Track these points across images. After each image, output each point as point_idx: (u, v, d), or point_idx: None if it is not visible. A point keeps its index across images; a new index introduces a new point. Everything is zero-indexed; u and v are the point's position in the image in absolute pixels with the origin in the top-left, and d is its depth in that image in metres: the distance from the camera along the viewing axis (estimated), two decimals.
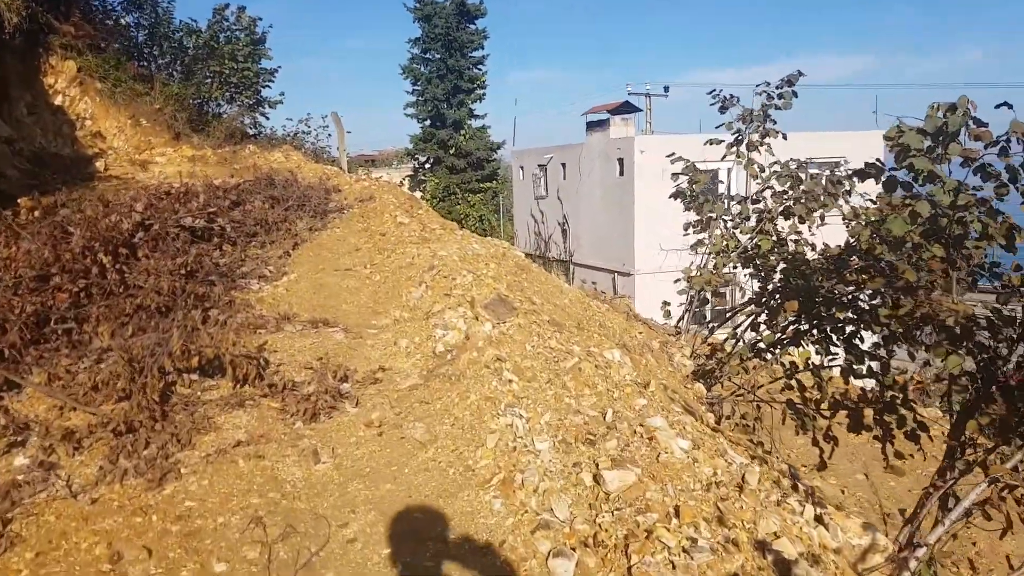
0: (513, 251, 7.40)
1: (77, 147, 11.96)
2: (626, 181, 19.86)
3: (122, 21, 15.57)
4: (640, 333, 7.72)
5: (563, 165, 23.72)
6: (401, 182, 39.72)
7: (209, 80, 16.76)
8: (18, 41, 10.93)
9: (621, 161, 20.06)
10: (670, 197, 9.47)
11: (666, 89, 25.29)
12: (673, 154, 8.69)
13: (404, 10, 34.99)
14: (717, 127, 8.76)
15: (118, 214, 6.63)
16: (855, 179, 8.18)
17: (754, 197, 8.74)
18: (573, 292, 7.54)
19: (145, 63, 15.76)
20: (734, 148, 8.45)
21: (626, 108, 21.52)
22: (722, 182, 20.12)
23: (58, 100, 11.91)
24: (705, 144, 8.74)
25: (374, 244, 7.87)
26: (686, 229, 9.24)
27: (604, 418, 4.39)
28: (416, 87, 35.65)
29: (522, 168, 27.19)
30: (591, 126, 21.94)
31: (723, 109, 8.67)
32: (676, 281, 8.40)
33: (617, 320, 7.73)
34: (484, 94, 36.16)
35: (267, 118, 18.60)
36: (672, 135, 21.96)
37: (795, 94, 8.32)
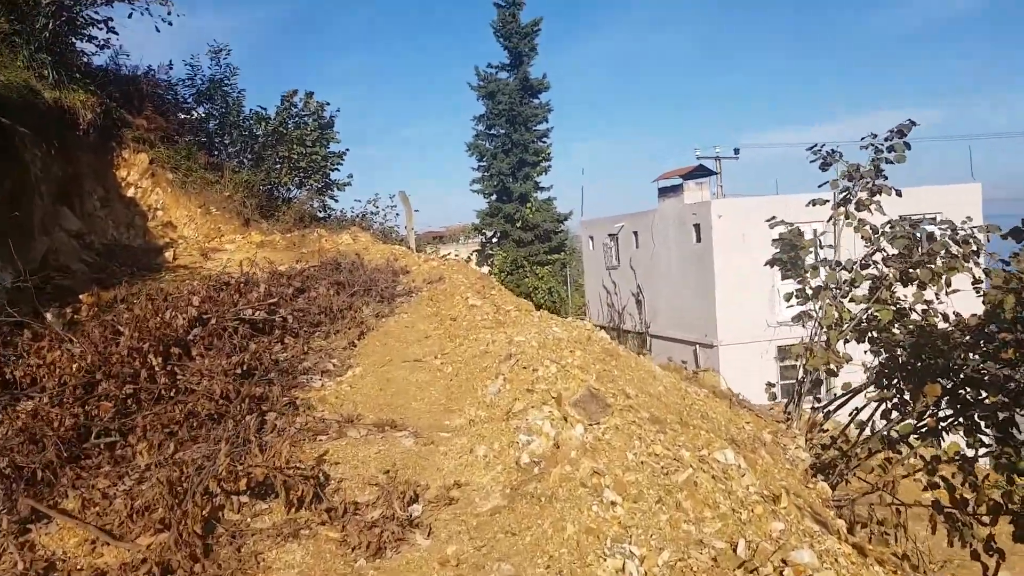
0: (598, 334, 6.65)
1: (148, 238, 11.97)
2: (704, 248, 18.97)
3: (193, 113, 15.95)
4: (747, 423, 6.77)
5: (635, 234, 23.02)
6: (469, 257, 39.79)
7: (278, 166, 16.96)
8: (92, 137, 11.09)
9: (697, 227, 19.24)
10: (766, 264, 8.59)
11: (736, 151, 24.57)
12: (774, 217, 7.88)
13: (468, 89, 35.67)
14: (820, 186, 7.94)
15: (174, 309, 6.21)
16: (985, 237, 7.21)
17: (863, 261, 7.80)
18: (667, 377, 6.69)
19: (216, 152, 16.08)
20: (841, 208, 7.58)
21: (700, 172, 20.81)
22: (829, 246, 19.06)
23: (130, 192, 12.01)
24: (808, 205, 7.91)
25: (444, 330, 7.25)
26: (788, 300, 8.32)
27: (736, 550, 3.52)
28: (481, 163, 35.96)
29: (591, 238, 26.62)
30: (663, 192, 21.28)
31: (825, 166, 7.87)
32: (783, 360, 7.44)
33: (720, 408, 6.81)
34: (549, 166, 36.19)
35: (336, 200, 18.77)
36: (748, 197, 21.09)
37: (908, 146, 7.44)
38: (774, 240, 7.80)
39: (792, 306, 7.91)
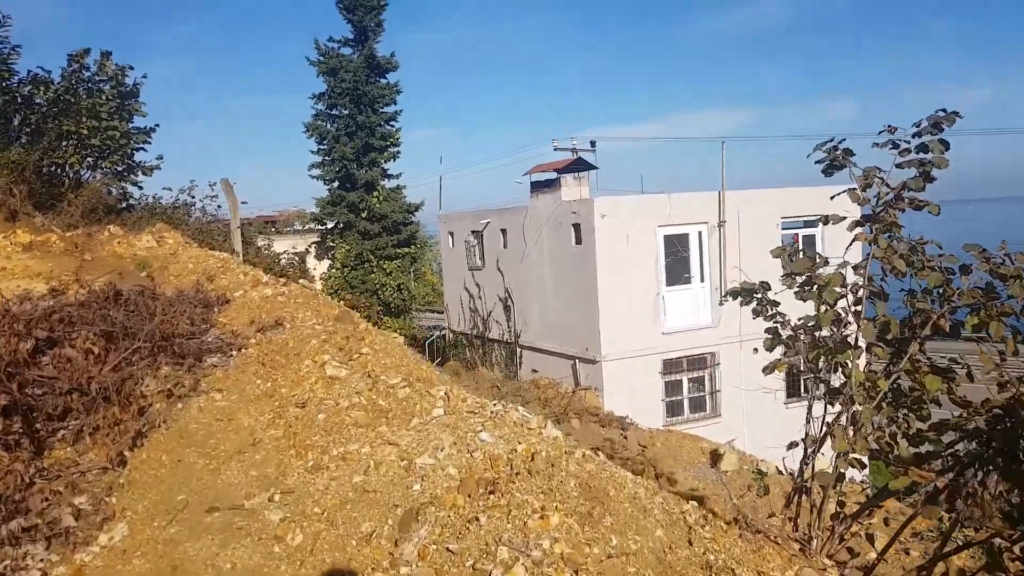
0: (556, 441, 4.05)
1: None
2: (585, 250, 16.96)
3: None
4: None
5: (503, 231, 20.66)
6: (307, 249, 35.74)
7: (64, 143, 13.30)
8: None
9: (578, 227, 17.18)
10: (725, 296, 6.26)
11: (593, 144, 22.87)
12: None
13: (308, 64, 31.67)
14: (834, 197, 5.76)
15: None
16: None
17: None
18: (666, 507, 4.23)
19: None
20: (865, 227, 5.42)
21: (578, 165, 18.76)
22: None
23: None
24: (823, 225, 5.70)
25: (286, 430, 4.37)
26: (766, 347, 6.11)
27: None
28: (322, 146, 32.12)
29: (452, 235, 23.99)
30: (537, 187, 19.04)
31: (832, 168, 5.60)
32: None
33: (730, 541, 4.44)
34: (398, 152, 33.01)
35: (140, 187, 15.20)
36: (634, 195, 19.34)
37: (946, 145, 5.30)
38: (787, 256, 5.49)
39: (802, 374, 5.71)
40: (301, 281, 7.54)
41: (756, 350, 17.95)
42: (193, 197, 16.35)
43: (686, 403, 18.20)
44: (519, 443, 3.85)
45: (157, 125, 14.92)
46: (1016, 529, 3.98)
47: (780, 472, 15.62)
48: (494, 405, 4.43)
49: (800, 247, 5.20)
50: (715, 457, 15.08)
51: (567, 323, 18.17)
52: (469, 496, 3.33)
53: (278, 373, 5.10)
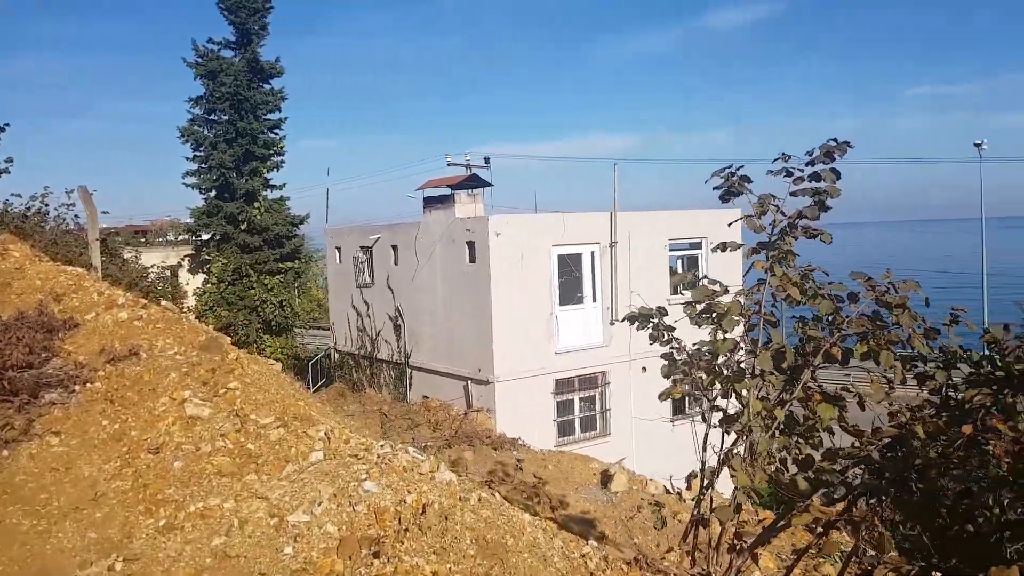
0: (450, 487, 3.71)
1: None
2: (479, 268, 16.71)
3: None
4: None
5: (394, 248, 20.10)
6: (180, 263, 33.66)
7: None
8: None
9: (472, 245, 16.91)
10: (623, 320, 6.09)
11: (487, 160, 22.83)
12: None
13: (184, 65, 29.97)
14: (731, 224, 5.72)
15: None
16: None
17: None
18: (566, 552, 3.96)
19: None
20: (762, 253, 5.38)
21: (472, 182, 18.51)
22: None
23: None
24: (715, 250, 5.65)
25: (136, 483, 3.80)
26: (664, 375, 6.00)
27: None
28: (198, 152, 30.42)
29: (339, 250, 23.14)
30: (430, 202, 18.64)
31: (729, 195, 5.55)
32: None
33: None
34: (282, 161, 31.67)
35: None
36: (529, 214, 19.31)
37: (837, 174, 5.35)
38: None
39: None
40: (164, 303, 6.83)
41: (645, 369, 18.26)
42: (47, 205, 14.89)
43: (577, 423, 18.24)
44: (409, 492, 3.48)
45: (7, 125, 13.53)
46: (912, 563, 3.97)
47: (668, 491, 15.87)
48: (381, 447, 4.04)
49: (704, 275, 5.10)
50: (606, 478, 15.11)
51: (459, 343, 17.84)
52: (350, 559, 2.93)
53: (129, 412, 4.49)
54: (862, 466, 4.87)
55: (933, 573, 3.93)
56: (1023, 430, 3.95)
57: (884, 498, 4.61)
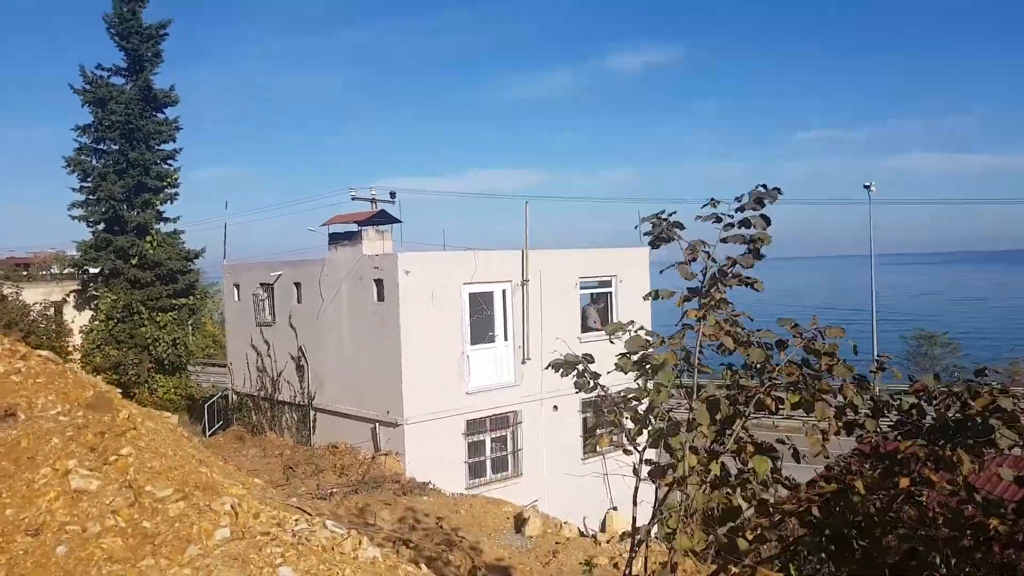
0: (375, 566, 3.34)
1: None
2: (388, 307, 16.22)
3: None
4: None
5: (297, 285, 19.30)
6: (65, 298, 31.31)
7: None
8: None
9: (380, 283, 16.42)
10: (547, 368, 5.93)
11: (393, 195, 22.49)
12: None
13: (71, 92, 28.23)
14: (663, 271, 5.62)
15: None
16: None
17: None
18: None
19: None
20: (694, 300, 5.29)
21: (381, 218, 18.07)
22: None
23: None
24: (646, 298, 5.52)
25: (9, 574, 3.24)
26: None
27: None
28: (86, 183, 28.60)
29: (237, 287, 22.06)
30: (336, 239, 18.04)
31: (659, 241, 5.45)
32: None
33: None
34: (176, 194, 30.19)
35: None
36: (439, 251, 19.01)
37: (767, 221, 5.34)
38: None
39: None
40: (44, 353, 6.13)
41: (556, 407, 18.18)
42: None
43: (489, 464, 17.89)
44: (331, 571, 3.09)
45: None
46: None
47: (583, 534, 15.65)
48: (296, 522, 3.62)
49: (640, 326, 4.95)
50: (519, 522, 14.82)
51: (367, 384, 17.22)
52: None
53: (3, 486, 3.88)
54: (801, 524, 4.82)
55: None
56: (960, 483, 3.98)
57: (823, 555, 4.56)
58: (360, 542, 3.61)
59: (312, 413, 19.07)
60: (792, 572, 4.58)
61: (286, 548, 3.33)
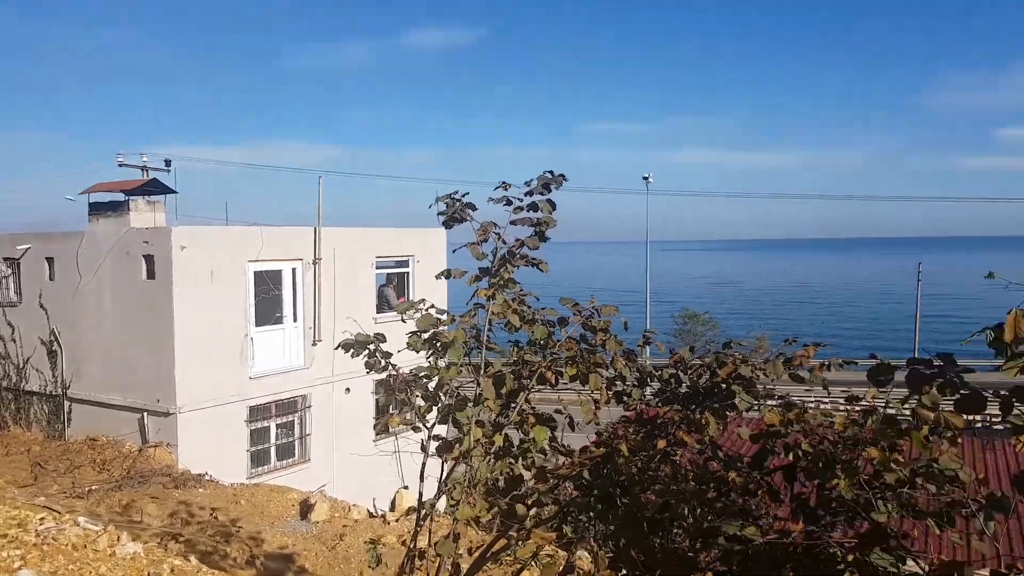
0: (135, 561, 3.13)
1: None
2: (160, 285, 14.93)
3: None
4: None
5: (49, 260, 17.16)
6: None
7: None
8: None
9: (150, 258, 15.05)
10: (337, 348, 5.88)
11: (168, 163, 20.83)
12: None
13: None
14: (455, 250, 5.72)
15: None
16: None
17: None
18: None
19: None
20: (484, 280, 5.46)
21: (151, 188, 16.51)
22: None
23: None
24: (439, 277, 5.62)
25: None
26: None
27: None
28: None
29: None
30: (98, 209, 16.23)
31: (452, 221, 5.59)
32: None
33: None
34: None
35: None
36: (220, 226, 17.80)
37: (553, 205, 5.65)
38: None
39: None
40: None
41: (348, 389, 17.89)
42: None
43: (273, 451, 17.24)
44: None
45: None
46: None
47: (372, 515, 15.65)
48: (40, 521, 3.28)
49: (431, 304, 5.02)
50: (306, 508, 14.44)
51: (134, 371, 15.79)
52: None
53: None
54: (573, 486, 5.18)
55: None
56: (707, 442, 4.50)
57: (592, 514, 4.94)
58: (118, 538, 3.35)
59: (67, 404, 17.16)
60: (567, 532, 4.91)
61: (27, 549, 3.00)
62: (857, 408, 3.88)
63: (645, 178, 49.58)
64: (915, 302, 52.05)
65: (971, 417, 2.98)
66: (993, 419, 16.56)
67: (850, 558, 3.56)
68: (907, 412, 3.43)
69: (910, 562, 3.52)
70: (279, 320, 16.87)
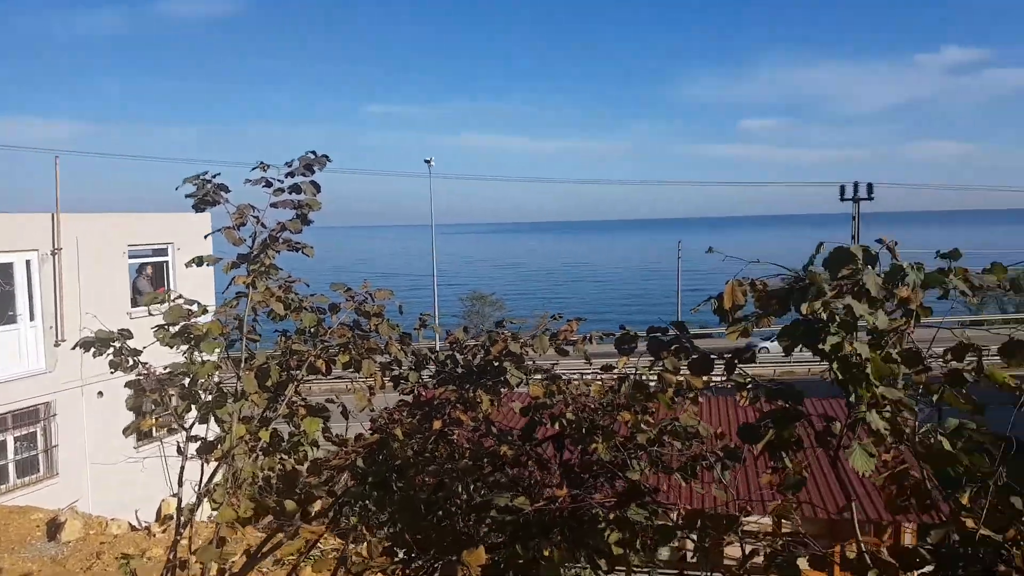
0: None
1: None
2: None
3: None
4: None
5: None
6: None
7: None
8: None
9: None
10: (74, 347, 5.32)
11: None
12: None
13: None
14: (208, 235, 5.30)
15: None
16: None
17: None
18: None
19: None
20: (243, 267, 5.10)
21: None
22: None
23: None
24: (190, 265, 5.15)
25: None
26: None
27: None
28: None
29: None
30: None
31: (204, 204, 5.20)
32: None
33: None
34: None
35: None
36: None
37: (317, 187, 5.45)
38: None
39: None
40: None
41: (101, 394, 16.17)
42: None
43: (12, 467, 15.19)
44: None
45: None
46: (396, 562, 4.24)
47: (134, 528, 14.37)
48: None
49: (179, 293, 4.61)
50: (54, 527, 12.91)
51: None
52: None
53: None
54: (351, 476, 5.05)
55: (413, 566, 4.25)
56: (481, 418, 4.59)
57: (367, 502, 4.86)
58: None
59: None
60: (355, 522, 4.81)
61: None
62: (613, 376, 4.15)
63: (427, 161, 49.80)
64: (676, 278, 57.38)
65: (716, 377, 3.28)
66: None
67: (611, 516, 3.81)
68: (654, 378, 3.74)
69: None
70: (12, 319, 14.82)
